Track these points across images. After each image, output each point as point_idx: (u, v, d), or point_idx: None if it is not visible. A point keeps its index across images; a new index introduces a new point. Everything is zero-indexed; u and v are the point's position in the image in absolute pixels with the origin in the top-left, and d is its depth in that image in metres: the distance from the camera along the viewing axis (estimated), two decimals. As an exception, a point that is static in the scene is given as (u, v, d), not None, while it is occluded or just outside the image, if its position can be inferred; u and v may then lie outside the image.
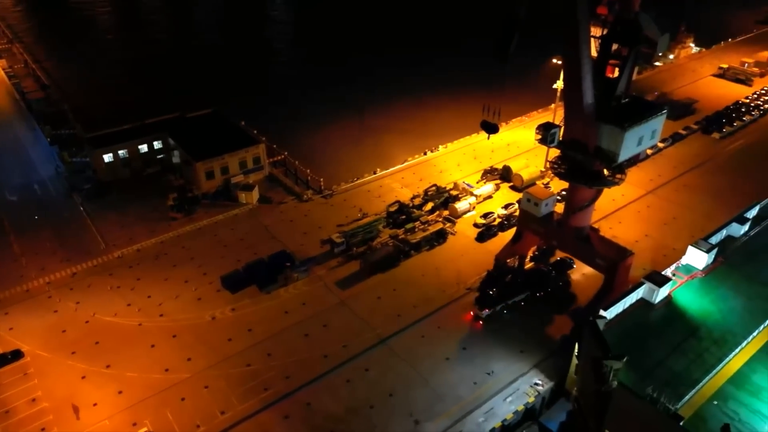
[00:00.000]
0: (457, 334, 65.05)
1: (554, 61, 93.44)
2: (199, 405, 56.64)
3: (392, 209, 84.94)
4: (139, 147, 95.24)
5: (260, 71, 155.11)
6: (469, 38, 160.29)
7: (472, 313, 68.23)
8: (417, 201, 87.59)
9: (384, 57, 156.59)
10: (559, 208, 70.36)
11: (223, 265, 74.32)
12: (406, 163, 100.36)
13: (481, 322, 67.10)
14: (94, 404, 56.65)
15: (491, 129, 58.86)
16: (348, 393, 58.04)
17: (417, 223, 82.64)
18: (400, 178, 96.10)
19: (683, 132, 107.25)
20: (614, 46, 57.53)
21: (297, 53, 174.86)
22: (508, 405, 56.98)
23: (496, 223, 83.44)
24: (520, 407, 56.70)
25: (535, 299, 69.74)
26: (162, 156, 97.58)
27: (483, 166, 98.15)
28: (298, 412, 56.09)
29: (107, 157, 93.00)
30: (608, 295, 63.37)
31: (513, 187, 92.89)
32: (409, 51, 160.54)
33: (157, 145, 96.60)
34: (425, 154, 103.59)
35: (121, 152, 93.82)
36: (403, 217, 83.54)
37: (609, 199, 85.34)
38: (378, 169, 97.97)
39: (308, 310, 68.26)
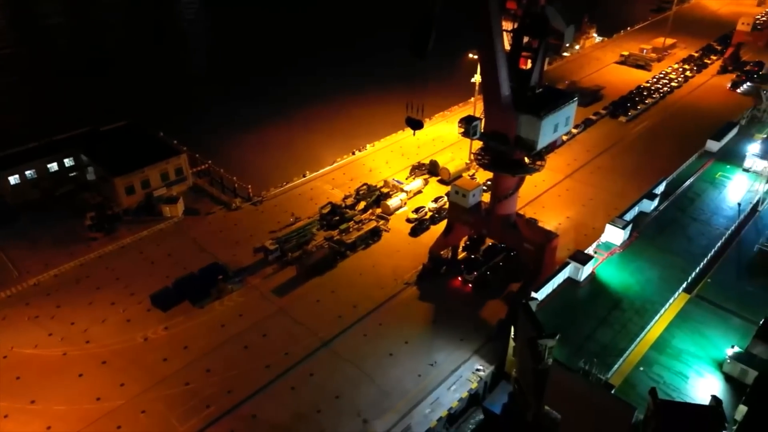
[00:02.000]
0: (398, 330, 65.74)
1: (470, 55, 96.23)
2: (137, 431, 54.02)
3: (325, 211, 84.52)
4: (49, 166, 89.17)
5: (175, 76, 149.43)
6: (387, 36, 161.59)
7: (460, 278, 71.86)
8: (349, 201, 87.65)
9: (303, 57, 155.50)
10: (486, 197, 72.82)
11: (151, 283, 71.13)
12: (335, 164, 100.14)
13: (470, 286, 70.69)
14: (20, 444, 52.75)
15: (416, 125, 59.91)
16: (294, 400, 57.29)
17: (351, 223, 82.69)
18: (331, 179, 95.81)
19: (593, 117, 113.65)
20: (525, 39, 60.20)
21: (213, 55, 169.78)
22: (453, 393, 58.30)
23: (427, 217, 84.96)
24: (464, 394, 58.16)
25: (509, 258, 73.78)
26: (75, 174, 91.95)
27: (411, 162, 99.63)
28: (244, 426, 54.70)
29: (13, 179, 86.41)
30: (538, 276, 66.37)
31: (441, 181, 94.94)
32: (330, 51, 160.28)
33: (68, 162, 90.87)
34: (354, 153, 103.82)
35: (28, 172, 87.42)
36: (337, 218, 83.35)
37: (531, 185, 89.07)
38: (307, 172, 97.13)
39: (246, 321, 66.70)
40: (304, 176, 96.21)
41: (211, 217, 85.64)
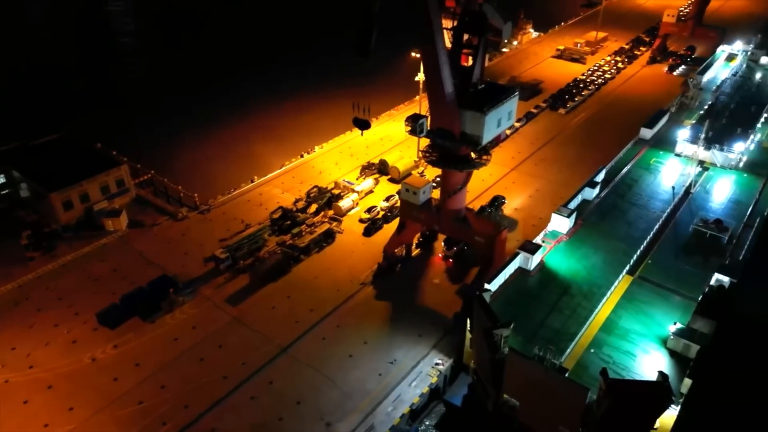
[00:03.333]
0: (357, 330, 65.70)
1: (413, 54, 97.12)
2: (90, 456, 51.90)
3: (276, 216, 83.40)
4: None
5: (107, 82, 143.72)
6: (330, 38, 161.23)
7: (440, 255, 75.63)
8: (300, 204, 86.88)
9: (245, 61, 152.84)
10: (436, 193, 73.80)
11: (96, 301, 68.13)
12: (284, 168, 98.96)
13: (450, 261, 74.99)
14: (-39, 482, 49.60)
15: (363, 125, 60.09)
16: (254, 410, 56.32)
17: (303, 227, 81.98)
18: (280, 183, 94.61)
19: (534, 111, 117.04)
20: (465, 37, 61.36)
21: (148, 56, 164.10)
22: (414, 389, 58.80)
23: (380, 216, 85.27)
24: (425, 389, 58.76)
25: None
26: (7, 191, 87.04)
27: (360, 162, 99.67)
28: (204, 440, 53.46)
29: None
30: (490, 268, 67.85)
31: (391, 180, 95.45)
32: (272, 54, 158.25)
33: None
34: (302, 156, 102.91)
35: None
36: (288, 222, 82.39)
37: (479, 180, 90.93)
38: (255, 177, 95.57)
39: (200, 333, 65.02)
40: (252, 182, 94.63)
41: (157, 228, 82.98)
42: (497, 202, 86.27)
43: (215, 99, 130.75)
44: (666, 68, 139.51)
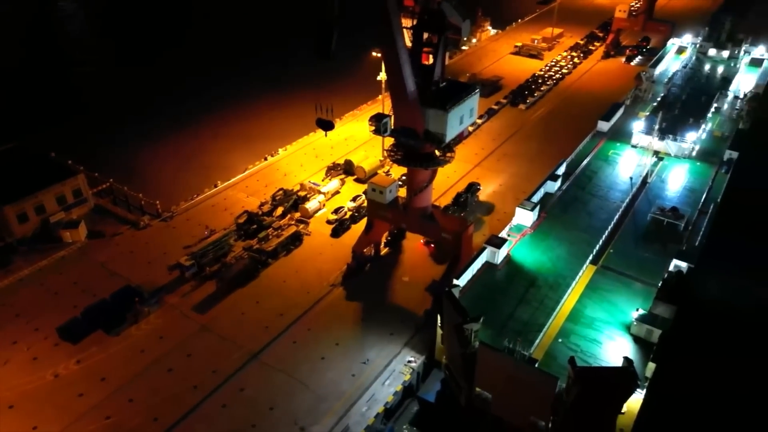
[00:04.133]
0: (328, 332, 65.43)
1: (374, 54, 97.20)
2: (56, 476, 50.21)
3: (241, 221, 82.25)
4: None
5: (59, 88, 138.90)
6: (294, 38, 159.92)
7: (422, 241, 77.83)
8: (266, 208, 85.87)
9: (206, 63, 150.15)
10: (403, 192, 74.10)
11: (57, 315, 65.80)
12: (248, 171, 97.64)
13: (432, 246, 77.27)
14: None
15: (327, 126, 59.84)
16: (226, 418, 55.47)
17: (270, 230, 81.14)
18: (245, 187, 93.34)
19: (495, 107, 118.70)
20: (425, 35, 61.79)
21: (102, 59, 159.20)
22: (387, 388, 58.95)
23: (347, 216, 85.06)
24: (399, 387, 59.00)
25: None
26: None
27: (325, 163, 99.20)
28: (176, 452, 52.42)
29: None
30: (458, 264, 68.60)
31: (357, 180, 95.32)
32: (235, 55, 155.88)
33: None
34: (266, 159, 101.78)
35: None
36: (254, 226, 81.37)
37: (444, 177, 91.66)
38: (219, 182, 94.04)
39: (168, 343, 63.60)
40: (215, 186, 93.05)
41: (119, 238, 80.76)
42: (473, 188, 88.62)
43: (175, 104, 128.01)
44: (624, 59, 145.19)
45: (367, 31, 58.75)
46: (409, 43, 60.69)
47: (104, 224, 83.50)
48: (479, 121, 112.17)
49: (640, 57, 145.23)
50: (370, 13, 54.26)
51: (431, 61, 62.23)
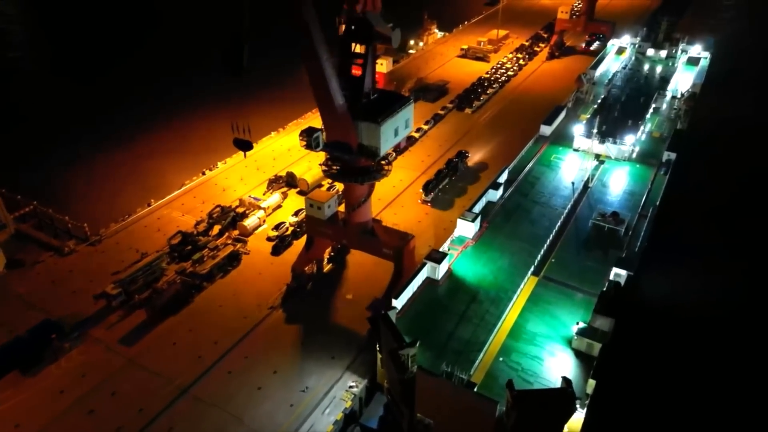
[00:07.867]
0: (266, 360, 62.29)
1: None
2: None
3: (174, 242, 78.05)
4: None
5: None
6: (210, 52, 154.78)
7: (419, 200, 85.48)
8: (202, 227, 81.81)
9: (136, 77, 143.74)
10: (342, 207, 71.50)
11: (-33, 357, 60.64)
12: (184, 188, 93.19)
13: (429, 205, 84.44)
14: None
15: (245, 146, 56.91)
16: (153, 462, 51.91)
17: (205, 251, 77.20)
18: (180, 205, 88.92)
19: (442, 112, 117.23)
20: (354, 46, 59.35)
21: (28, 69, 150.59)
22: (327, 417, 56.35)
23: (289, 232, 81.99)
24: (339, 415, 56.47)
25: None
26: None
27: (267, 175, 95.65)
28: (96, 505, 48.47)
29: None
30: (400, 280, 66.45)
31: (300, 192, 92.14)
32: (166, 68, 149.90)
33: None
34: (204, 173, 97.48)
35: None
36: (189, 247, 77.33)
37: (389, 187, 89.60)
38: (152, 200, 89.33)
39: (90, 382, 59.24)
40: (149, 205, 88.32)
41: (40, 266, 75.36)
42: (461, 156, 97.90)
43: (105, 120, 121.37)
44: (583, 44, 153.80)
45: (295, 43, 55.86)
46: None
47: (25, 252, 77.83)
48: (425, 127, 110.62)
49: (597, 42, 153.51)
50: (291, 26, 51.42)
51: (360, 72, 59.84)
